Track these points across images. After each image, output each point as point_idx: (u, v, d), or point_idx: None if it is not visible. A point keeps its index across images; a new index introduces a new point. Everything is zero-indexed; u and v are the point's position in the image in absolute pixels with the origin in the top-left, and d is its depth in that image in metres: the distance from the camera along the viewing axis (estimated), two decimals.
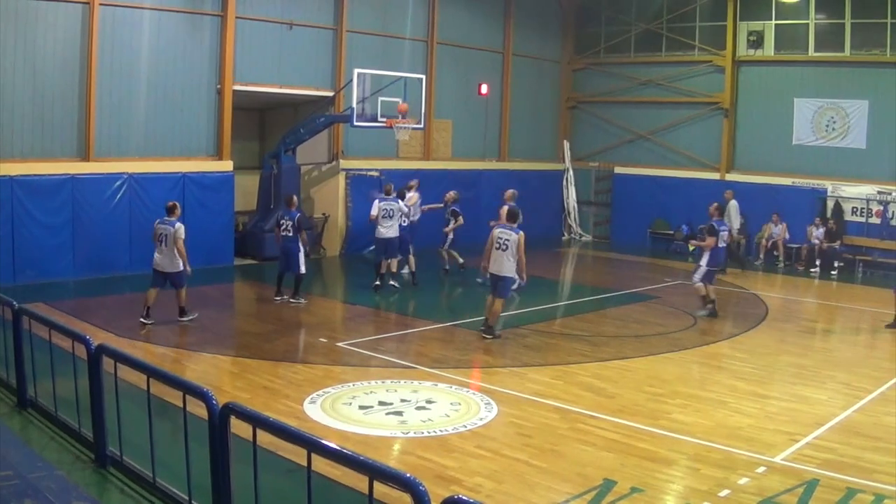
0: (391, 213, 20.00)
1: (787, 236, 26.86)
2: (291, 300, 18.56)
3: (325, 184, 26.18)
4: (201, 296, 19.35)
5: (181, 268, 15.93)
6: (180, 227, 15.76)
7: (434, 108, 27.96)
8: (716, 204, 19.65)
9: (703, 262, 18.39)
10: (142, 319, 15.93)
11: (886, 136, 25.86)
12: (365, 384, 12.56)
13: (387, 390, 12.29)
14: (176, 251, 15.75)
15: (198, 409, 6.98)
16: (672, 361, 14.60)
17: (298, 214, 18.62)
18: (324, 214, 25.95)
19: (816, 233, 26.08)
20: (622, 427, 10.95)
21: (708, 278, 18.42)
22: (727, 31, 29.04)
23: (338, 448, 5.97)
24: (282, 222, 18.48)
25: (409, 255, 21.21)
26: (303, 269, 18.52)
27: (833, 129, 27.14)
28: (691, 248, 27.90)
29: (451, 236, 22.18)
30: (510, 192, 20.94)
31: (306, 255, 18.76)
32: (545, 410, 11.65)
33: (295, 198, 19.11)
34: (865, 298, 21.68)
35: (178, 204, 16.54)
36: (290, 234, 18.28)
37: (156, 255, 16.00)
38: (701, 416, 11.54)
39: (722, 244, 18.67)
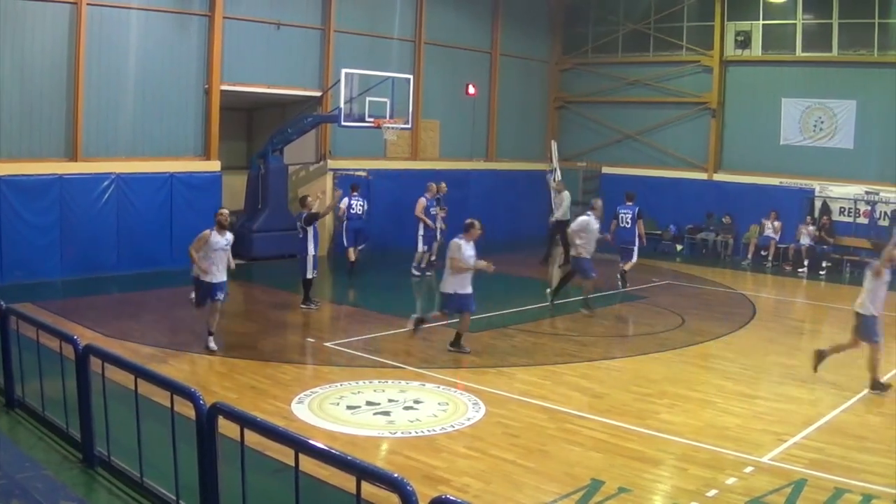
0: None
1: (777, 237, 26.92)
2: (302, 305, 18.30)
3: (312, 184, 26.12)
4: (189, 296, 19.35)
5: (464, 290, 14.61)
6: (455, 244, 14.56)
7: (421, 109, 27.95)
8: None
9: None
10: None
11: (874, 137, 25.93)
12: (352, 384, 12.56)
13: (374, 390, 12.29)
14: (453, 270, 14.55)
15: (185, 409, 6.97)
16: (660, 361, 14.63)
17: (305, 214, 18.36)
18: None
19: (807, 231, 26.11)
20: (610, 427, 10.97)
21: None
22: (715, 31, 29.11)
23: (325, 448, 5.97)
24: (297, 224, 18.36)
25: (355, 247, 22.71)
26: (308, 275, 18.16)
27: (821, 129, 27.21)
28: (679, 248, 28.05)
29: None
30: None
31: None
32: (533, 410, 11.66)
33: (309, 199, 18.87)
34: (853, 299, 21.55)
35: (475, 223, 14.95)
36: (301, 236, 18.12)
37: None
38: (689, 416, 11.57)
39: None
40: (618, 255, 21.70)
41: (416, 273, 22.65)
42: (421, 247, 22.60)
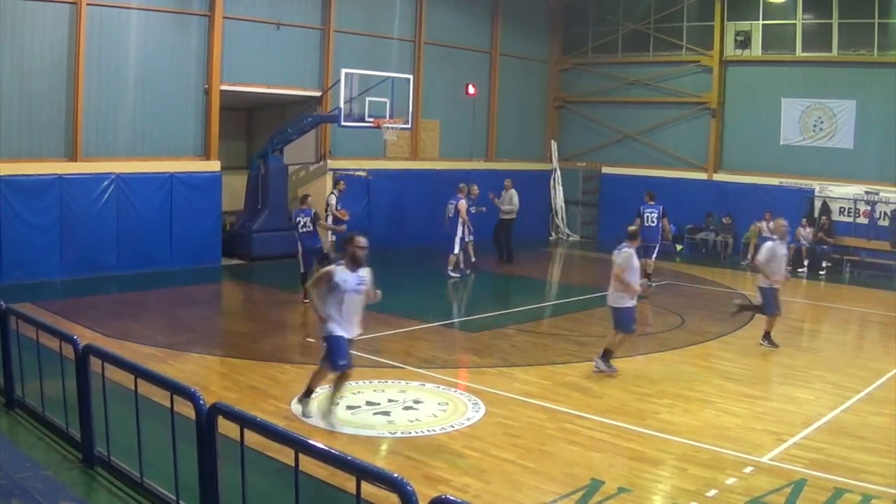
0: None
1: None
2: (305, 300, 18.41)
3: (312, 184, 26.13)
4: (189, 296, 19.41)
5: (624, 304, 13.67)
6: (626, 254, 13.63)
7: (421, 109, 27.96)
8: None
9: None
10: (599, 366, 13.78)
11: (874, 137, 25.93)
12: (352, 384, 12.51)
13: (374, 390, 12.29)
14: (617, 282, 13.67)
15: (185, 409, 6.97)
16: (660, 361, 14.63)
17: (314, 211, 18.58)
18: None
19: (804, 233, 26.16)
20: (610, 427, 10.96)
21: None
22: (714, 31, 29.10)
23: (325, 448, 5.97)
24: (298, 220, 18.32)
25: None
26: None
27: (820, 129, 27.20)
28: (679, 248, 28.08)
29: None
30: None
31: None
32: (533, 410, 11.66)
33: (310, 197, 19.06)
34: (853, 298, 21.75)
35: (636, 230, 14.39)
36: (310, 230, 18.25)
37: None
38: (688, 415, 11.57)
39: None
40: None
41: (455, 275, 22.58)
42: (457, 249, 22.57)
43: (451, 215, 22.56)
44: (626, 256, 13.51)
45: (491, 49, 30.85)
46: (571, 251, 30.67)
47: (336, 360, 10.63)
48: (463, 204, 22.61)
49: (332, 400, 10.79)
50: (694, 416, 11.54)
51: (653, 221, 21.72)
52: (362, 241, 10.78)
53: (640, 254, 21.55)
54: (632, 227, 14.41)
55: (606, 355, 13.66)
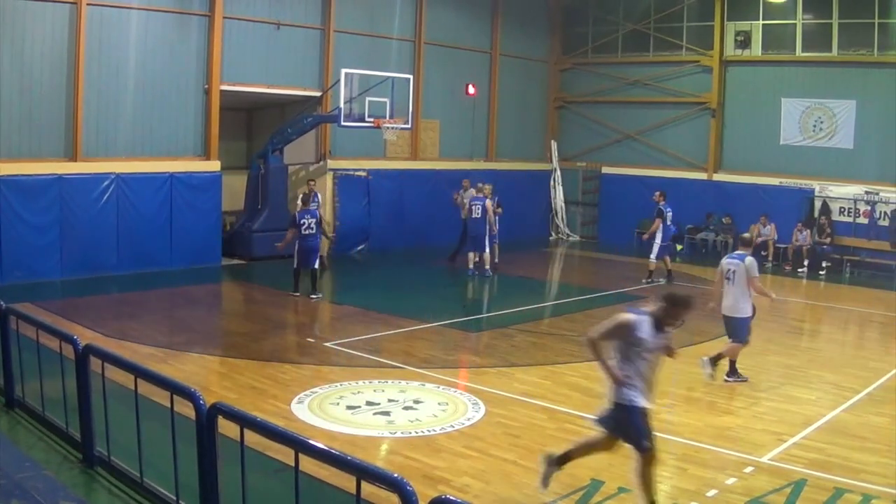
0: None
1: (776, 237, 26.89)
2: (313, 296, 18.97)
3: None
4: (189, 296, 19.41)
5: (746, 313, 13.17)
6: (753, 263, 13.00)
7: (421, 108, 27.94)
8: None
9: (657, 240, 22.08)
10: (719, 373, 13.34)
11: (874, 137, 25.93)
12: (352, 384, 12.55)
13: (374, 390, 12.28)
14: (746, 291, 13.02)
15: (185, 409, 6.96)
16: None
17: (320, 213, 19.21)
18: None
19: (800, 237, 26.16)
20: None
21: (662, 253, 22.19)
22: (714, 31, 29.09)
23: (325, 448, 5.97)
24: (303, 221, 18.69)
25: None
26: (316, 265, 19.17)
27: (820, 129, 27.20)
28: (679, 247, 28.10)
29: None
30: None
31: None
32: (533, 410, 11.65)
33: (313, 197, 19.66)
34: (853, 298, 21.74)
35: (752, 238, 14.08)
36: (313, 232, 18.74)
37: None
38: (688, 416, 11.56)
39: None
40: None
41: (490, 274, 22.78)
42: (489, 249, 22.79)
43: (478, 215, 22.56)
44: (755, 264, 13.04)
45: (491, 49, 30.84)
46: (571, 251, 30.65)
47: (640, 440, 8.11)
48: (489, 204, 22.72)
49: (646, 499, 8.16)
50: (694, 417, 11.54)
51: (671, 220, 22.24)
52: (682, 297, 8.47)
53: (662, 252, 21.83)
54: (746, 235, 13.95)
55: (733, 368, 13.35)
